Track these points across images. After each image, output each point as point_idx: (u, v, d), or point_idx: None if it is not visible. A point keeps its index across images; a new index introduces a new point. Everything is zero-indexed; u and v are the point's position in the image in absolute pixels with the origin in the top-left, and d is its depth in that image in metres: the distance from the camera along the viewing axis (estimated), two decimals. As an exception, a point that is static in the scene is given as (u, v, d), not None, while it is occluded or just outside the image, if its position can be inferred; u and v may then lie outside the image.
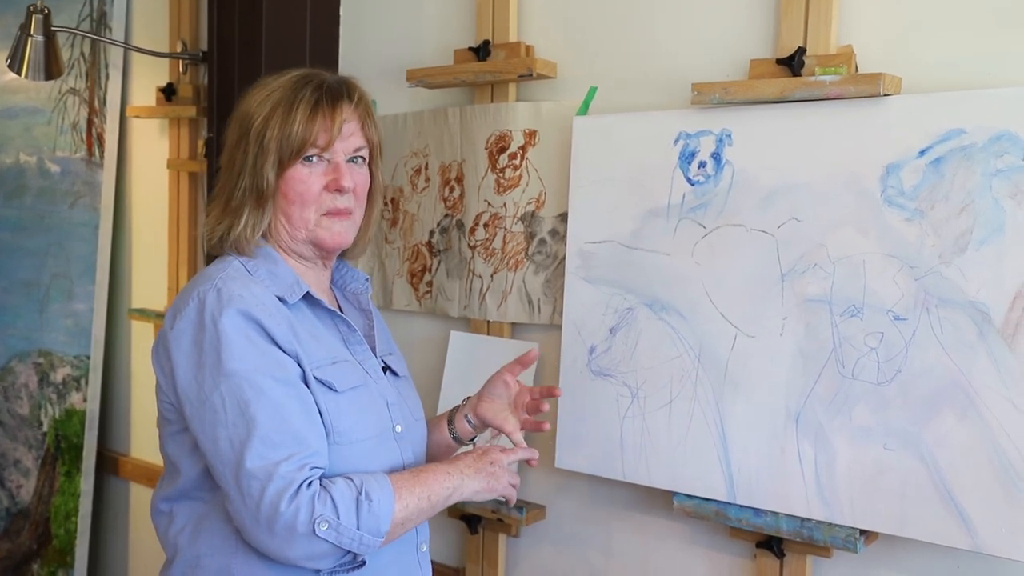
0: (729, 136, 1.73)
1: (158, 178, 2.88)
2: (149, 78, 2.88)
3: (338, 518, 1.25)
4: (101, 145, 2.93)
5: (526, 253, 2.06)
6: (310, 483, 1.26)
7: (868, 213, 1.58)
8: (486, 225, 2.11)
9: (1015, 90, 1.47)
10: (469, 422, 1.64)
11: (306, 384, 1.34)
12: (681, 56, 1.87)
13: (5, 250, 3.20)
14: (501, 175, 2.08)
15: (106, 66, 2.93)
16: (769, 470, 1.68)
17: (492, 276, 2.11)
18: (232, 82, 2.25)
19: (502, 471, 1.46)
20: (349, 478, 1.30)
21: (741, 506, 1.72)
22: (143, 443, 3.00)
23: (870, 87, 1.56)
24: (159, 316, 2.83)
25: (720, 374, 1.74)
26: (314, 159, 1.40)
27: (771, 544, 1.74)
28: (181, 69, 2.77)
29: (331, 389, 1.37)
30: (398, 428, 1.46)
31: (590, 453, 1.90)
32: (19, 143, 3.17)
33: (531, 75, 2.00)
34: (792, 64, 1.68)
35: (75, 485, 2.97)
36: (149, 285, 2.94)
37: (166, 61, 2.80)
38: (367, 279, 1.60)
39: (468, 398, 1.66)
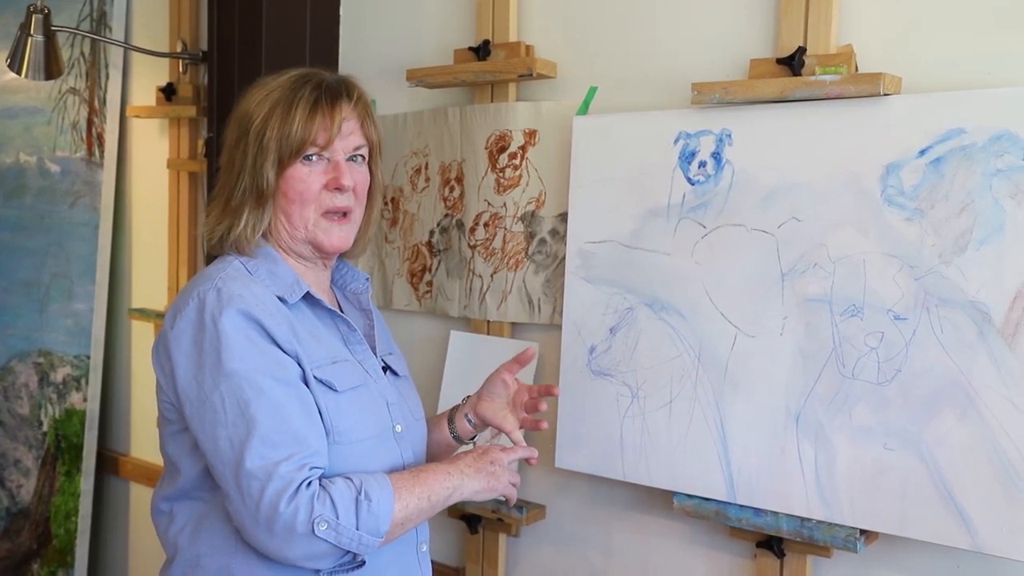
0: (729, 136, 1.73)
1: (158, 178, 2.88)
2: (149, 78, 2.88)
3: (337, 518, 1.25)
4: (101, 145, 2.93)
5: (526, 253, 2.06)
6: (309, 483, 1.26)
7: (868, 213, 1.58)
8: (486, 225, 2.11)
9: (1015, 90, 1.47)
10: (469, 421, 1.64)
11: (306, 384, 1.34)
12: (681, 56, 1.87)
13: (5, 250, 3.20)
14: (501, 175, 2.08)
15: (106, 66, 2.93)
16: (769, 470, 1.68)
17: (492, 276, 2.11)
18: (232, 82, 2.25)
19: (502, 470, 1.46)
20: (348, 478, 1.30)
21: (741, 506, 1.72)
22: (143, 443, 3.00)
23: (870, 87, 1.56)
24: (159, 316, 2.83)
25: (720, 374, 1.74)
26: (314, 158, 1.40)
27: (771, 544, 1.74)
28: (181, 69, 2.77)
29: (331, 389, 1.37)
30: (398, 428, 1.46)
31: (590, 453, 1.90)
32: (19, 143, 3.17)
33: (531, 75, 2.00)
34: (792, 64, 1.68)
35: (75, 485, 2.97)
36: (149, 285, 2.94)
37: (166, 61, 2.80)
38: (367, 279, 1.60)
39: (468, 397, 1.66)
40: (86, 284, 2.96)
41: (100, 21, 2.93)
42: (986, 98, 1.49)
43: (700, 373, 1.76)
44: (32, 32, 2.39)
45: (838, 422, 1.61)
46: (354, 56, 2.37)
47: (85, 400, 2.96)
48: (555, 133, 2.01)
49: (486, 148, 2.10)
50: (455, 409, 1.66)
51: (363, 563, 1.33)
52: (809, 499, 1.64)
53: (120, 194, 2.98)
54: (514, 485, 1.48)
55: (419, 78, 2.15)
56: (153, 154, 2.90)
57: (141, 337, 2.98)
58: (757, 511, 1.70)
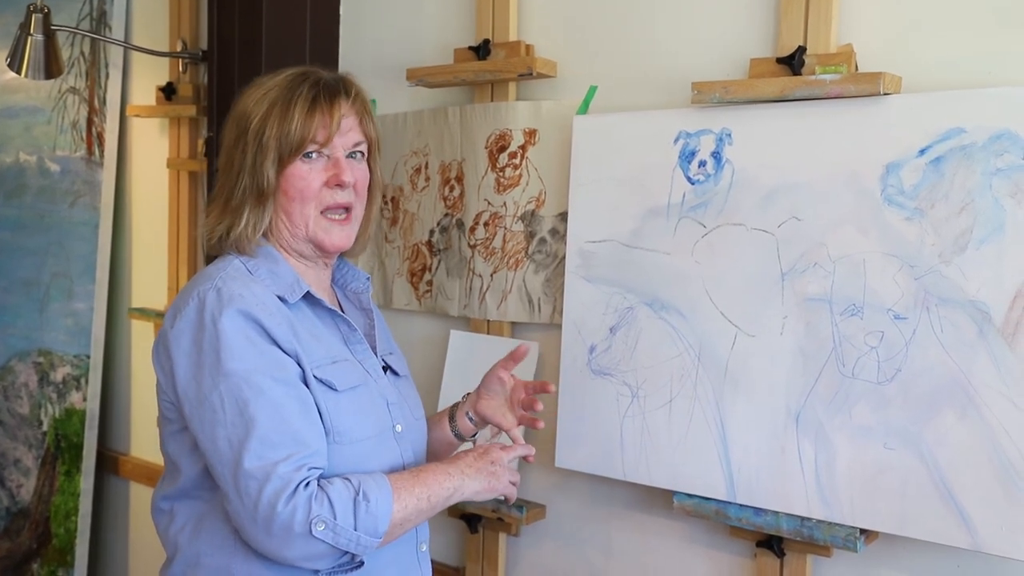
0: (729, 135, 1.73)
1: (158, 177, 2.88)
2: (149, 77, 2.88)
3: (335, 519, 1.25)
4: (101, 144, 2.93)
5: (526, 252, 2.06)
6: (307, 483, 1.26)
7: (868, 212, 1.58)
8: (486, 224, 2.11)
9: (1015, 89, 1.47)
10: (470, 419, 1.64)
11: (306, 384, 1.34)
12: (681, 55, 1.87)
13: (5, 249, 3.20)
14: (501, 174, 2.08)
15: (106, 65, 2.93)
16: (769, 469, 1.68)
17: (492, 275, 2.11)
18: (232, 81, 2.25)
19: (503, 470, 1.46)
20: (347, 479, 1.30)
21: (741, 505, 1.72)
22: (143, 442, 3.00)
23: (870, 86, 1.56)
24: (159, 315, 2.83)
25: (720, 373, 1.74)
26: (313, 155, 1.40)
27: (771, 543, 1.74)
28: (181, 68, 2.77)
29: (331, 388, 1.36)
30: (398, 427, 1.46)
31: (590, 452, 1.90)
32: (19, 142, 3.17)
33: (531, 74, 2.00)
34: (792, 63, 1.68)
35: (75, 484, 2.97)
36: (149, 284, 2.94)
37: (166, 60, 2.80)
38: (368, 278, 1.60)
39: (468, 394, 1.66)
40: (86, 283, 2.96)
41: (100, 20, 2.93)
42: (986, 97, 1.49)
43: (700, 372, 1.76)
44: (32, 31, 2.39)
45: (838, 421, 1.61)
46: (354, 55, 2.37)
47: (85, 400, 2.96)
48: (555, 132, 2.01)
49: (486, 147, 2.10)
50: (455, 407, 1.66)
51: (362, 563, 1.33)
52: (809, 498, 1.64)
53: (120, 193, 2.98)
54: (514, 484, 1.48)
55: (419, 77, 2.15)
56: (153, 153, 2.90)
57: (141, 336, 2.98)
58: (757, 510, 1.70)
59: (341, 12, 2.40)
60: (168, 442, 1.41)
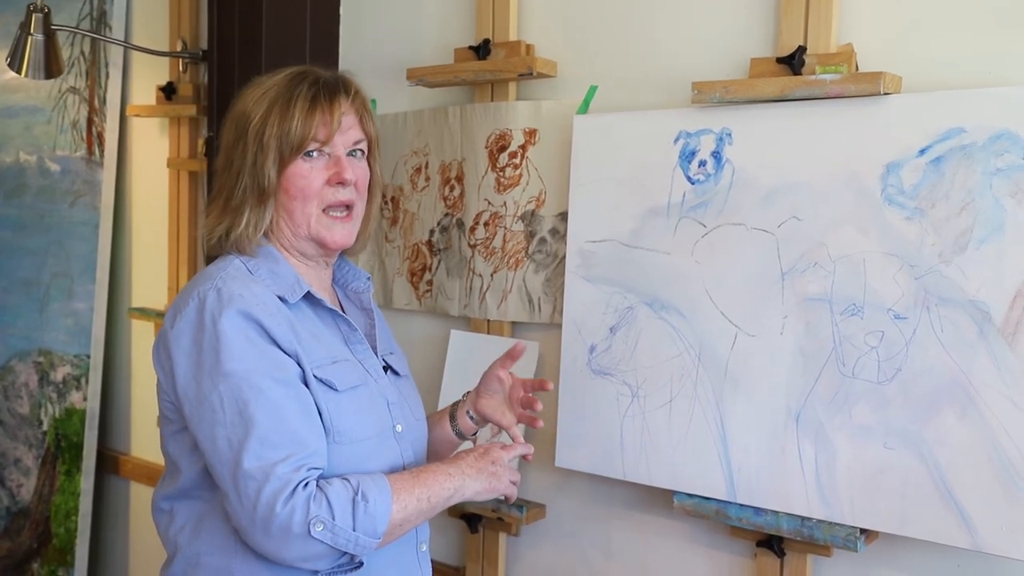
0: (729, 135, 1.73)
1: (158, 177, 2.88)
2: (149, 77, 2.88)
3: (333, 519, 1.25)
4: (101, 144, 2.93)
5: (526, 252, 2.06)
6: (306, 484, 1.26)
7: (868, 212, 1.58)
8: (486, 224, 2.11)
9: (1015, 89, 1.47)
10: (471, 417, 1.64)
11: (306, 384, 1.34)
12: (681, 55, 1.87)
13: (5, 249, 3.20)
14: (501, 174, 2.08)
15: (106, 65, 2.93)
16: (769, 469, 1.68)
17: (492, 275, 2.11)
18: (232, 81, 2.25)
19: (503, 470, 1.45)
20: (346, 479, 1.30)
21: (741, 505, 1.72)
22: (143, 442, 3.00)
23: (870, 86, 1.56)
24: (159, 315, 2.83)
25: (720, 373, 1.74)
26: (314, 154, 1.40)
27: (771, 543, 1.74)
28: (181, 68, 2.77)
29: (331, 388, 1.36)
30: (398, 427, 1.46)
31: (590, 452, 1.90)
32: (19, 142, 3.17)
33: (531, 74, 2.00)
34: (792, 63, 1.68)
35: (75, 484, 2.97)
36: (149, 284, 2.94)
37: (166, 60, 2.80)
38: (368, 278, 1.60)
39: (468, 392, 1.66)
40: (86, 283, 2.96)
41: (100, 20, 2.93)
42: (986, 97, 1.49)
43: (700, 372, 1.76)
44: (32, 31, 2.39)
45: (838, 421, 1.61)
46: (354, 55, 2.37)
47: (85, 399, 2.96)
48: (555, 132, 2.01)
49: (486, 147, 2.10)
50: (456, 405, 1.66)
51: (361, 564, 1.33)
52: (809, 498, 1.64)
53: (120, 193, 2.98)
54: (515, 483, 1.48)
55: (419, 77, 2.15)
56: (153, 153, 2.90)
57: (141, 336, 2.98)
58: (757, 510, 1.70)
59: (341, 12, 2.40)
60: (168, 442, 1.41)
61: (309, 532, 1.24)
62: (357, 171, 1.43)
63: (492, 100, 2.11)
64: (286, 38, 2.26)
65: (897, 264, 1.56)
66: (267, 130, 1.38)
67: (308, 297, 1.42)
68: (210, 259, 1.46)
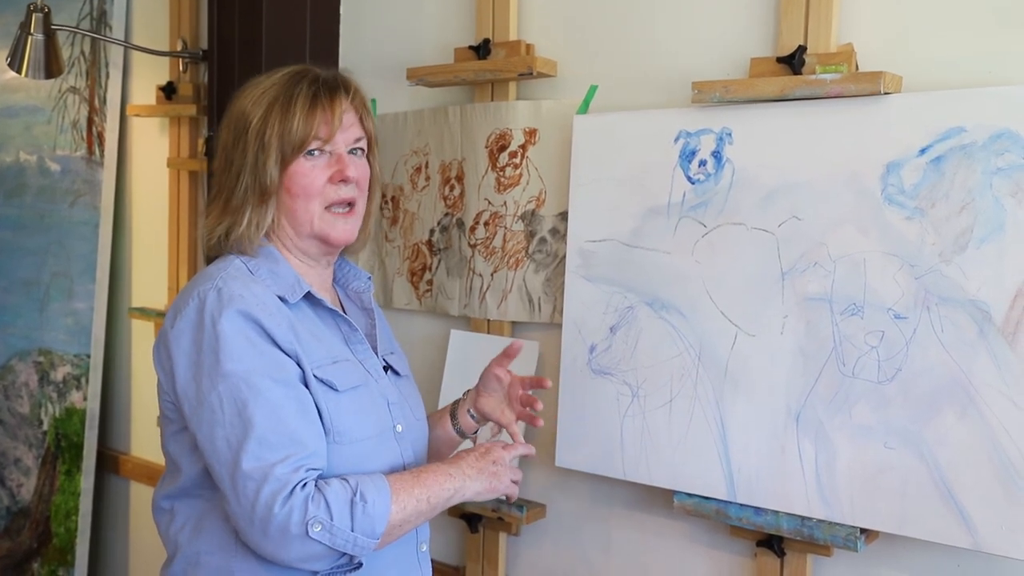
0: (729, 134, 1.73)
1: (158, 177, 2.88)
2: (149, 77, 2.88)
3: (331, 519, 1.25)
4: (101, 144, 2.93)
5: (526, 252, 2.06)
6: (304, 485, 1.26)
7: (868, 212, 1.58)
8: (486, 224, 2.11)
9: (1015, 88, 1.47)
10: (472, 416, 1.64)
11: (306, 384, 1.34)
12: (681, 55, 1.87)
13: (5, 249, 3.20)
14: (501, 174, 2.08)
15: (106, 64, 2.93)
16: (769, 469, 1.68)
17: (492, 275, 2.11)
18: (232, 80, 2.25)
19: (504, 470, 1.45)
20: (345, 479, 1.30)
21: (741, 505, 1.72)
22: (143, 442, 3.00)
23: (870, 85, 1.56)
24: (159, 315, 2.83)
25: (720, 373, 1.74)
26: (316, 152, 1.40)
27: (771, 543, 1.74)
28: (181, 67, 2.77)
29: (332, 388, 1.36)
30: (399, 428, 1.46)
31: (590, 452, 1.90)
32: (19, 142, 3.17)
33: (531, 74, 2.00)
34: (792, 63, 1.68)
35: (75, 484, 2.97)
36: (149, 284, 2.94)
37: (166, 59, 2.80)
38: (369, 277, 1.60)
39: (469, 391, 1.66)
40: (86, 283, 2.96)
41: (100, 20, 2.93)
42: (986, 97, 1.49)
43: (700, 372, 1.76)
44: (32, 31, 2.39)
45: (838, 421, 1.61)
46: (354, 55, 2.37)
47: (85, 399, 2.96)
48: (555, 132, 2.01)
49: (486, 147, 2.10)
50: (457, 403, 1.66)
51: (360, 564, 1.32)
52: (809, 498, 1.64)
53: (120, 193, 2.98)
54: (516, 483, 1.48)
55: (419, 77, 2.15)
56: (153, 153, 2.90)
57: (141, 336, 2.98)
58: (757, 510, 1.70)
59: (341, 12, 2.40)
60: (169, 441, 1.41)
61: (307, 533, 1.24)
62: (358, 169, 1.43)
63: (492, 100, 2.11)
64: (286, 38, 2.26)
65: (897, 264, 1.56)
66: (268, 129, 1.38)
67: (308, 297, 1.42)
68: (210, 260, 1.46)
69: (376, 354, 1.51)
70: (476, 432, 1.68)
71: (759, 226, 1.70)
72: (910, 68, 1.60)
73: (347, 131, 1.42)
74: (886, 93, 1.56)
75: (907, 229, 1.55)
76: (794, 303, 1.66)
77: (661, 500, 1.88)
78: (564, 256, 1.97)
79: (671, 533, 1.91)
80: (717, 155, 1.75)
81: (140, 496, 3.02)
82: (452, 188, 2.18)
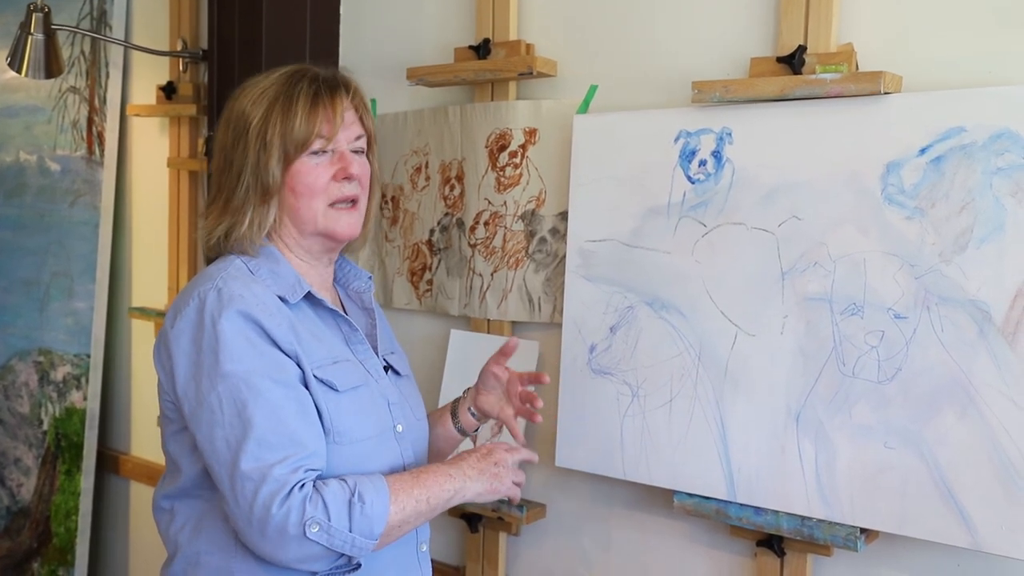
0: (729, 134, 1.73)
1: (158, 176, 2.88)
2: (149, 76, 2.88)
3: (329, 520, 1.25)
4: (101, 143, 2.93)
5: (526, 251, 2.06)
6: (303, 485, 1.26)
7: (868, 211, 1.58)
8: (486, 223, 2.11)
9: (1015, 88, 1.47)
10: (472, 414, 1.64)
11: (306, 384, 1.34)
12: (681, 54, 1.87)
13: (5, 249, 3.20)
14: (501, 173, 2.08)
15: (106, 64, 2.93)
16: (769, 468, 1.68)
17: (492, 275, 2.11)
18: (232, 80, 2.25)
19: (506, 471, 1.45)
20: (343, 480, 1.30)
21: (741, 504, 1.72)
22: (143, 441, 3.00)
23: (870, 85, 1.56)
24: (159, 315, 2.83)
25: (720, 372, 1.74)
26: (319, 151, 1.40)
27: (771, 543, 1.74)
28: (181, 67, 2.77)
29: (332, 389, 1.36)
30: (399, 428, 1.46)
31: (590, 451, 1.90)
32: (19, 141, 3.17)
33: (531, 73, 2.00)
34: (792, 62, 1.68)
35: (75, 483, 2.97)
36: (149, 284, 2.94)
37: (166, 59, 2.80)
38: (370, 277, 1.60)
39: (469, 389, 1.66)
40: (86, 283, 2.96)
41: (100, 20, 2.93)
42: (986, 97, 1.49)
43: (700, 372, 1.76)
44: (32, 31, 2.39)
45: (838, 421, 1.61)
46: (354, 55, 2.37)
47: (85, 399, 2.96)
48: (555, 132, 2.01)
49: (486, 147, 2.10)
50: (457, 402, 1.66)
51: (359, 565, 1.32)
52: (809, 498, 1.64)
53: (120, 193, 2.98)
54: (518, 484, 1.48)
55: (419, 76, 2.15)
56: (153, 153, 2.90)
57: (141, 336, 2.98)
58: (757, 510, 1.70)
59: (341, 11, 2.40)
60: (169, 441, 1.41)
61: (304, 533, 1.24)
62: (360, 166, 1.44)
63: (492, 100, 2.11)
64: (286, 38, 2.26)
65: (897, 263, 1.56)
66: (270, 129, 1.38)
67: (309, 297, 1.42)
68: (209, 261, 1.46)
69: (376, 354, 1.51)
70: (477, 430, 1.68)
71: (759, 226, 1.70)
72: (910, 68, 1.60)
73: (348, 129, 1.42)
74: (886, 93, 1.56)
75: (907, 229, 1.55)
76: (794, 303, 1.66)
77: (661, 500, 1.88)
78: (564, 256, 1.97)
79: (671, 533, 1.91)
80: (717, 155, 1.75)
81: (140, 496, 3.02)
82: (452, 188, 2.18)
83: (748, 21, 1.78)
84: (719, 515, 1.74)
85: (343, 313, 1.48)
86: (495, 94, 2.11)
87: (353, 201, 1.44)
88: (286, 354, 1.33)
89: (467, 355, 2.14)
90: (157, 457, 2.76)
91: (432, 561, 1.59)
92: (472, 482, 1.41)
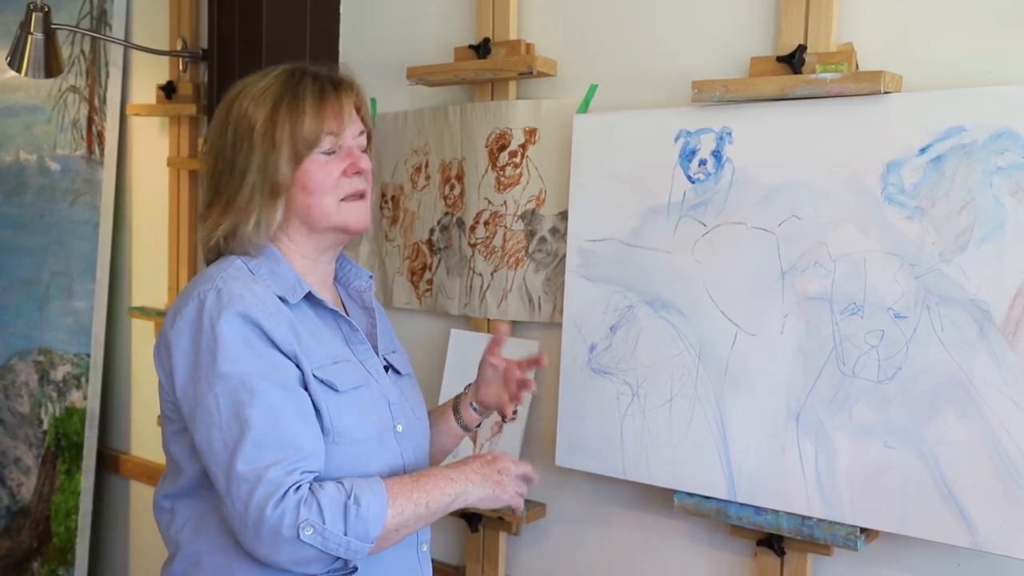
0: (729, 134, 1.73)
1: (158, 176, 2.88)
2: (149, 76, 2.88)
3: (323, 523, 1.24)
4: (101, 143, 2.93)
5: (526, 251, 2.06)
6: (298, 487, 1.25)
7: (869, 211, 1.58)
8: (486, 223, 2.11)
9: (1015, 88, 1.47)
10: (475, 409, 1.64)
11: (306, 385, 1.34)
12: (681, 54, 1.87)
13: (5, 248, 3.20)
14: (501, 173, 2.08)
15: (106, 64, 2.93)
16: (770, 468, 1.68)
17: (492, 274, 2.11)
18: (232, 80, 2.21)
19: (510, 480, 1.43)
20: (340, 482, 1.29)
21: (742, 504, 1.72)
22: (143, 441, 3.00)
23: (871, 85, 1.56)
24: (159, 314, 2.83)
25: (720, 372, 1.74)
26: (328, 147, 1.40)
27: (772, 542, 1.74)
28: (181, 67, 2.77)
29: (332, 389, 1.36)
30: (399, 428, 1.46)
31: (590, 451, 1.90)
32: (19, 141, 3.17)
33: (531, 73, 2.00)
34: (792, 62, 1.68)
35: (75, 483, 2.97)
36: (149, 283, 2.94)
37: (166, 59, 2.80)
38: (371, 276, 1.59)
39: (469, 385, 1.66)
40: (86, 282, 2.96)
41: (100, 19, 2.93)
42: (986, 96, 1.49)
43: (700, 371, 1.76)
44: (32, 30, 2.39)
45: (838, 420, 1.61)
46: (354, 54, 2.37)
47: (85, 398, 2.96)
48: (555, 131, 2.01)
49: (486, 146, 2.10)
50: (459, 398, 1.66)
51: (356, 568, 1.32)
52: (809, 497, 1.64)
53: (120, 192, 2.98)
54: (521, 495, 1.47)
55: (419, 76, 2.15)
56: (153, 152, 2.90)
57: (141, 335, 2.98)
58: (758, 509, 1.70)
59: (341, 11, 2.40)
60: (170, 441, 1.41)
61: (298, 536, 1.23)
62: (366, 161, 1.44)
63: (492, 99, 2.11)
64: (286, 38, 2.26)
65: (897, 263, 1.56)
66: (278, 129, 1.37)
67: (309, 297, 1.42)
68: (209, 262, 1.46)
69: (377, 354, 1.51)
70: (479, 425, 1.68)
71: (759, 225, 1.70)
72: (910, 68, 1.60)
73: (352, 125, 1.43)
74: (886, 92, 1.56)
75: (907, 228, 1.55)
76: (794, 302, 1.66)
77: (661, 499, 1.88)
78: (564, 255, 1.97)
79: (671, 533, 1.91)
80: (717, 154, 1.75)
81: (140, 495, 3.02)
82: (452, 187, 2.18)
83: (748, 21, 1.78)
84: (719, 515, 1.74)
85: (343, 313, 1.48)
86: (495, 94, 2.11)
87: (361, 195, 1.44)
88: (285, 355, 1.33)
89: (467, 355, 2.14)
90: (157, 457, 2.76)
91: (432, 561, 1.59)
92: (475, 487, 1.40)
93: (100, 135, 2.93)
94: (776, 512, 1.68)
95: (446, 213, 2.20)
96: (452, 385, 2.15)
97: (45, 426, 3.07)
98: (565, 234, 1.96)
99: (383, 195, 2.32)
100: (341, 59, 2.37)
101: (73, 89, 3.01)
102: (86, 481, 2.97)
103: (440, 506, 1.36)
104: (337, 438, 1.34)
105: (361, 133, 1.45)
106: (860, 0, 1.67)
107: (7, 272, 3.20)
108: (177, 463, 1.40)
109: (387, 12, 2.34)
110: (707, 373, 1.75)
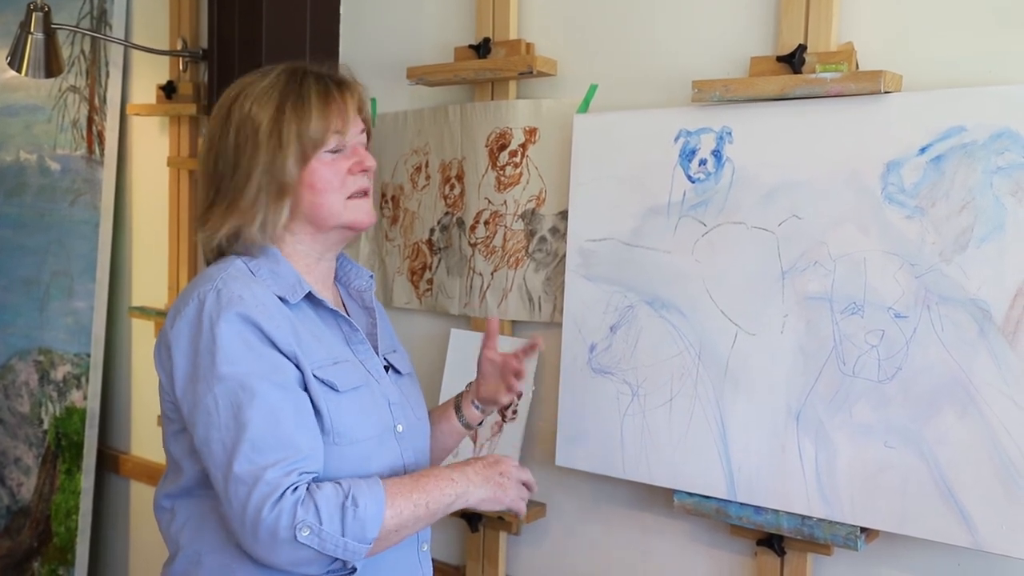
0: (730, 133, 1.73)
1: (158, 176, 2.88)
2: (149, 76, 2.88)
3: (320, 524, 1.24)
4: (101, 143, 2.93)
5: (526, 251, 2.06)
6: (295, 488, 1.25)
7: (869, 210, 1.58)
8: (486, 223, 2.11)
9: (1016, 88, 1.47)
10: (476, 407, 1.64)
11: (306, 385, 1.34)
12: (681, 54, 1.87)
13: (5, 248, 3.20)
14: (501, 173, 2.08)
15: (106, 64, 2.93)
16: (770, 468, 1.68)
17: (492, 274, 2.11)
18: (232, 80, 2.23)
19: (511, 483, 1.43)
20: (338, 483, 1.29)
21: (742, 504, 1.72)
22: (143, 441, 3.00)
23: (871, 84, 1.56)
24: (159, 314, 2.83)
25: (721, 372, 1.74)
26: (334, 146, 1.40)
27: (772, 542, 1.74)
28: (181, 67, 2.77)
29: (332, 389, 1.36)
30: (399, 428, 1.46)
31: (591, 451, 1.90)
32: (19, 141, 3.17)
33: (531, 73, 2.00)
34: (793, 61, 1.68)
35: (76, 483, 2.97)
36: (149, 283, 2.94)
37: (166, 59, 2.80)
38: (371, 276, 1.59)
39: (470, 383, 1.66)
40: (86, 282, 2.96)
41: (100, 19, 2.93)
42: (986, 96, 1.49)
43: (700, 371, 1.76)
44: (32, 30, 2.39)
45: (838, 420, 1.61)
46: (354, 54, 2.37)
47: (85, 398, 2.96)
48: (555, 131, 2.01)
49: (486, 146, 2.10)
50: (460, 397, 1.66)
51: (355, 569, 1.32)
52: (810, 497, 1.64)
53: (120, 192, 2.98)
54: (523, 499, 1.47)
55: (419, 76, 2.15)
56: (153, 152, 2.90)
57: (141, 335, 2.98)
58: (758, 509, 1.70)
59: (341, 11, 2.40)
60: (170, 441, 1.41)
61: (295, 537, 1.23)
62: (371, 159, 1.45)
63: (492, 99, 2.11)
64: (286, 38, 2.26)
65: (897, 263, 1.56)
66: (284, 128, 1.37)
67: (309, 297, 1.42)
68: (210, 263, 1.46)
69: (377, 353, 1.51)
70: (481, 423, 1.68)
71: (759, 225, 1.70)
72: (910, 67, 1.60)
73: (355, 124, 1.43)
74: (886, 92, 1.56)
75: (907, 228, 1.55)
76: (794, 302, 1.66)
77: (661, 499, 1.88)
78: (564, 255, 1.97)
79: (671, 532, 1.91)
80: (717, 154, 1.75)
81: (140, 495, 3.02)
82: (452, 187, 2.18)
83: (748, 20, 1.78)
84: (719, 514, 1.74)
85: (344, 313, 1.48)
86: (495, 93, 2.11)
87: (366, 192, 1.45)
88: (285, 356, 1.33)
89: (467, 354, 2.14)
90: (157, 456, 2.76)
91: (432, 561, 1.59)
92: (476, 488, 1.40)
93: (100, 135, 2.93)
94: (776, 512, 1.68)
95: (446, 213, 2.20)
96: (452, 385, 2.15)
97: (45, 426, 3.07)
98: (565, 234, 1.96)
99: (383, 195, 2.32)
100: (341, 59, 2.37)
101: (73, 89, 3.01)
102: (86, 481, 2.97)
103: (440, 507, 1.36)
104: (337, 438, 1.34)
105: (362, 131, 1.46)
106: (860, 0, 1.67)
107: (7, 272, 3.20)
108: (177, 463, 1.40)
109: (387, 12, 2.34)
110: (707, 373, 1.75)
